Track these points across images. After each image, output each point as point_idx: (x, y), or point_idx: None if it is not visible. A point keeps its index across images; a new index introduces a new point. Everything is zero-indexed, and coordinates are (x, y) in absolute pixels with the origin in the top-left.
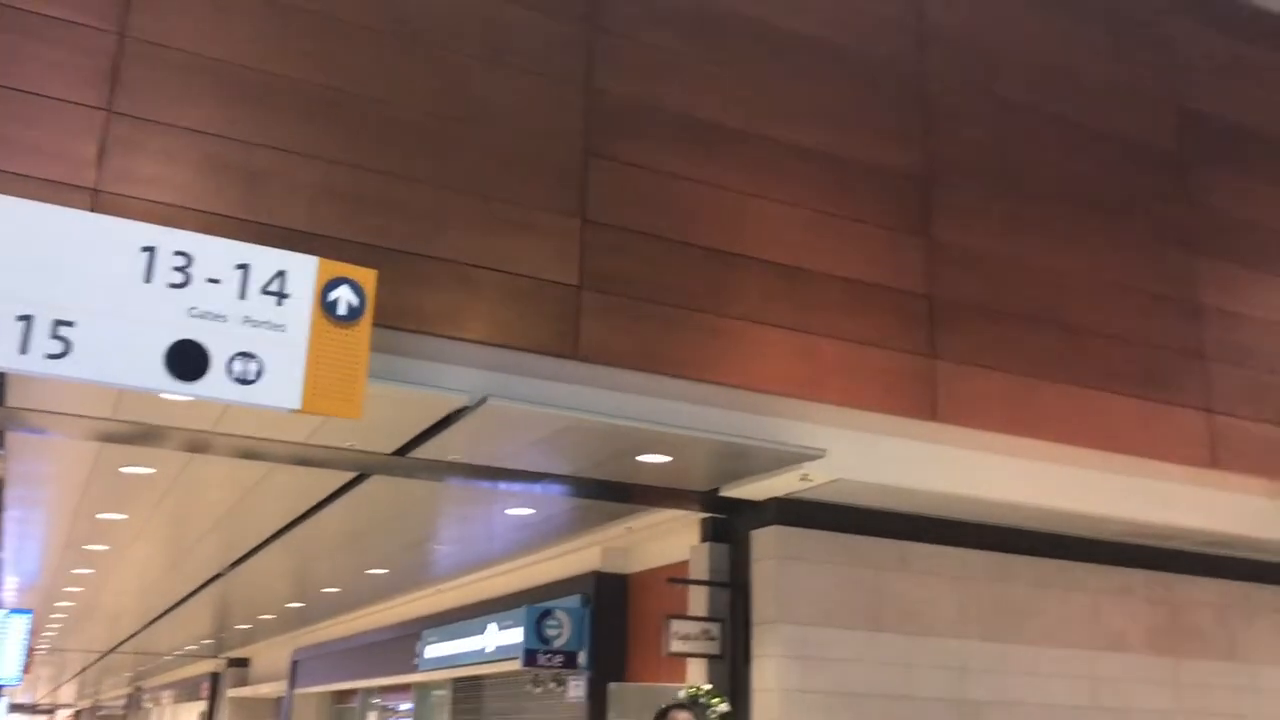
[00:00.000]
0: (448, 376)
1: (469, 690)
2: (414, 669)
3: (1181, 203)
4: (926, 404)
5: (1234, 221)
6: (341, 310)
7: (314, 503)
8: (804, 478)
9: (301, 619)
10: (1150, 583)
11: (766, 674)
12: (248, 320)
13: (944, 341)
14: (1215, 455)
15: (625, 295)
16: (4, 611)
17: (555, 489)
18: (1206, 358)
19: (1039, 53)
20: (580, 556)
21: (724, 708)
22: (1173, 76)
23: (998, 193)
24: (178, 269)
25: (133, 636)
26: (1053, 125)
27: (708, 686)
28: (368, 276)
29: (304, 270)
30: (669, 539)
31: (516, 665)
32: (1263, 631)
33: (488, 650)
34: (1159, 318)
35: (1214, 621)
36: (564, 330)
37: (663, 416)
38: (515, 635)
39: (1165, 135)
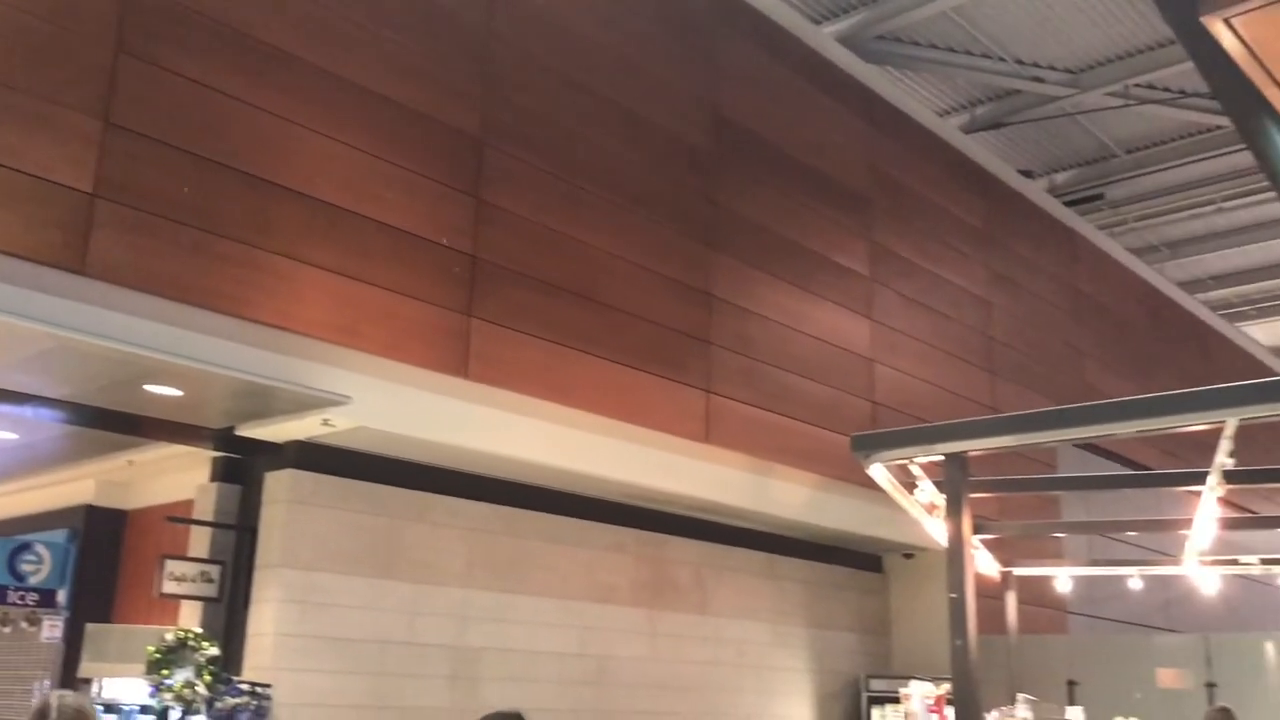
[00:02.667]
0: None
1: None
2: None
3: (706, 200)
4: (459, 361)
5: (747, 223)
6: None
7: None
8: (326, 423)
9: None
10: (641, 541)
11: (264, 618)
12: None
13: (482, 303)
14: (709, 431)
15: (148, 212)
16: None
17: (47, 414)
18: (711, 343)
19: (602, 37)
20: (71, 488)
21: (213, 651)
22: (712, 81)
23: (548, 165)
24: None
25: None
26: (605, 109)
27: (198, 630)
28: None
29: None
30: (175, 475)
31: None
32: (729, 589)
33: None
34: (676, 302)
35: (691, 579)
36: (71, 241)
37: (180, 347)
38: None
39: (700, 134)
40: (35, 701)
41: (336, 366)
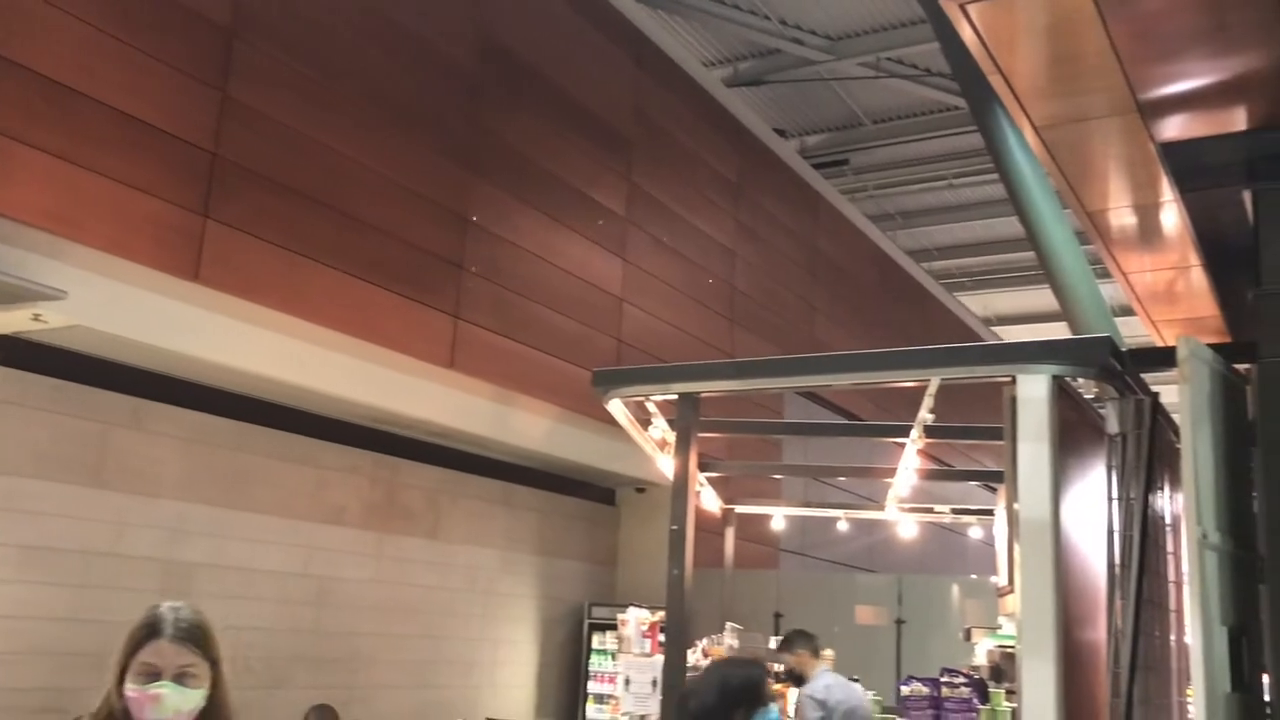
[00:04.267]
0: None
1: None
2: None
3: (468, 122)
4: (190, 264)
5: (509, 151)
6: None
7: None
8: (37, 318)
9: None
10: (375, 464)
11: None
12: None
13: (220, 204)
14: (454, 357)
15: None
16: None
17: None
18: (463, 268)
19: None
20: None
21: None
22: (485, 2)
23: (303, 66)
24: None
25: None
26: (370, 16)
27: None
28: None
29: None
30: None
31: None
32: (462, 515)
33: None
34: (429, 223)
35: (424, 504)
36: None
37: None
38: None
39: (468, 57)
40: (145, 613)
41: (52, 258)
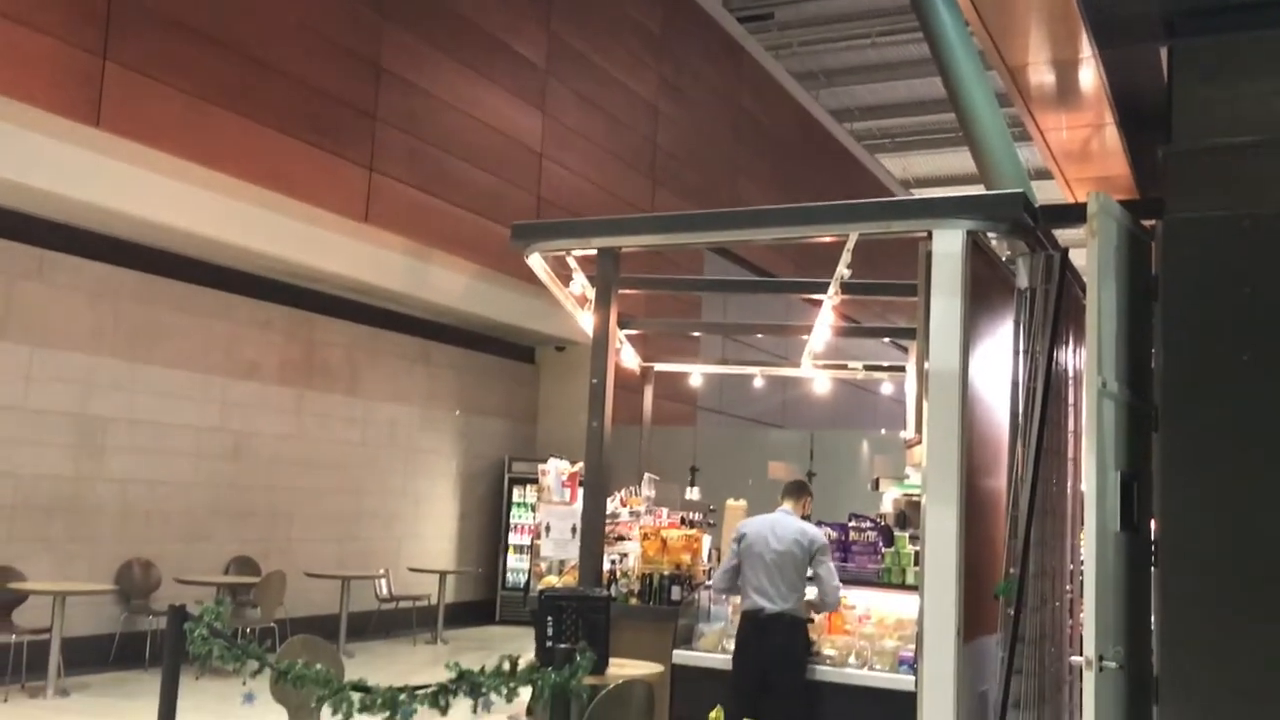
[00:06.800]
0: None
1: None
2: None
3: None
4: (90, 108)
5: (433, 1)
6: None
7: None
8: None
9: None
10: (291, 319)
11: None
12: None
13: (119, 45)
14: (369, 210)
15: None
16: None
17: None
18: (377, 119)
19: None
20: None
21: None
22: None
23: None
24: None
25: None
26: None
27: None
28: None
29: None
30: None
31: None
32: (381, 372)
33: None
34: (341, 72)
35: (342, 360)
36: None
37: None
38: None
39: None
40: None
41: None
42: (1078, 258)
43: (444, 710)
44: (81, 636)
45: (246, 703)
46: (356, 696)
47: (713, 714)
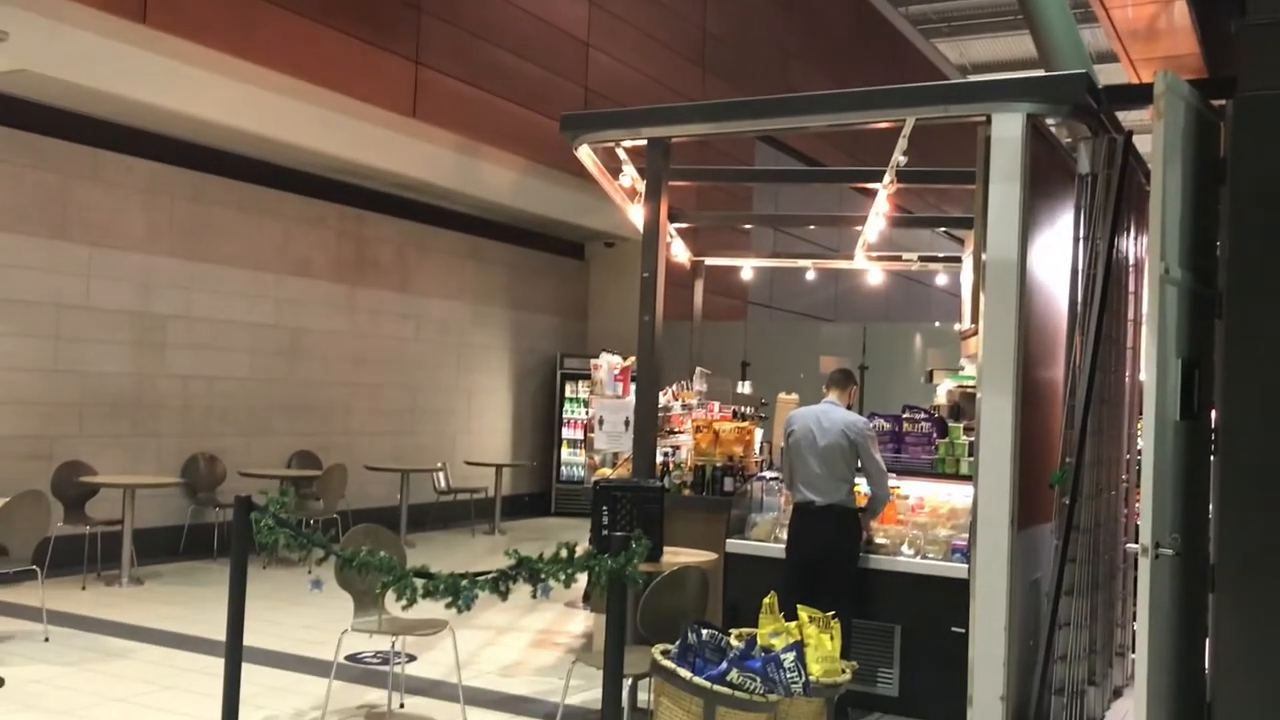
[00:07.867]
0: None
1: None
2: None
3: None
4: (137, 4)
5: None
6: None
7: None
8: None
9: None
10: (341, 216)
11: None
12: None
13: None
14: (416, 105)
15: None
16: None
17: None
18: (422, 10)
19: None
20: None
21: None
22: None
23: None
24: None
25: None
26: None
27: None
28: None
29: None
30: None
31: None
32: (432, 268)
33: None
34: None
35: (393, 256)
36: None
37: None
38: None
39: None
40: None
41: None
42: (1141, 142)
43: (504, 595)
44: (152, 528)
45: (314, 589)
46: (420, 582)
47: (766, 599)
